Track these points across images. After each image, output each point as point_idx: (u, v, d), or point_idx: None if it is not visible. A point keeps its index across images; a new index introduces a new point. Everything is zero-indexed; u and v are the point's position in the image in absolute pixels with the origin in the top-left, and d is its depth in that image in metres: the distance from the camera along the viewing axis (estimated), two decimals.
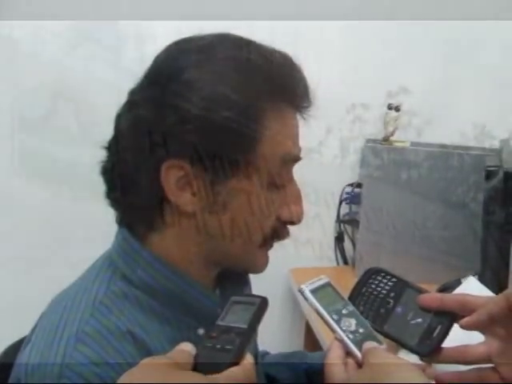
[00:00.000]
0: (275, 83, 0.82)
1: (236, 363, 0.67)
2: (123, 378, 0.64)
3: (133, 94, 0.86)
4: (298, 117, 0.89)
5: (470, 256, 1.65)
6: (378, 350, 0.72)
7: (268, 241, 0.88)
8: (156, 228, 0.86)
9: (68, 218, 1.91)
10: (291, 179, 0.89)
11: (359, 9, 2.00)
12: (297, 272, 2.02)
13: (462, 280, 1.61)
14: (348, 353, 0.73)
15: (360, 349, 0.72)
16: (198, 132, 0.78)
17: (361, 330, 0.75)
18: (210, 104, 0.78)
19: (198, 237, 0.85)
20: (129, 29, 1.86)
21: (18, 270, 1.90)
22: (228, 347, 0.68)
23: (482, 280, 1.54)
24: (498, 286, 1.46)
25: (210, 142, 0.79)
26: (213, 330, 0.72)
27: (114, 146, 0.87)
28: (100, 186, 0.90)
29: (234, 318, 0.72)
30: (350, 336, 0.73)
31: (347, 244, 2.13)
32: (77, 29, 1.84)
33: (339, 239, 2.12)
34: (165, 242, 0.86)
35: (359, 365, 0.71)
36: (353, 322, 0.75)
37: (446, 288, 1.62)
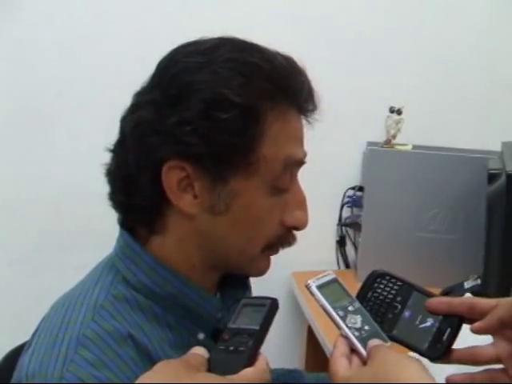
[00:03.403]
0: (276, 84, 0.82)
1: (250, 364, 0.67)
2: (139, 380, 0.65)
3: (137, 96, 0.87)
4: (304, 121, 0.89)
5: (472, 259, 1.64)
6: (383, 347, 0.72)
7: (272, 246, 0.88)
8: (157, 231, 0.86)
9: (70, 224, 1.91)
10: (295, 184, 0.88)
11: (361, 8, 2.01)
12: (298, 275, 2.01)
13: (465, 283, 1.61)
14: (353, 350, 0.73)
15: (365, 346, 0.73)
16: (198, 133, 0.79)
17: (366, 328, 0.75)
18: (210, 105, 0.79)
19: (199, 240, 0.85)
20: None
21: (19, 275, 1.90)
22: (241, 349, 0.69)
23: (484, 283, 1.54)
24: (500, 289, 1.45)
25: (210, 143, 0.80)
26: (225, 333, 0.72)
27: (118, 148, 0.88)
28: (104, 189, 0.90)
29: (246, 319, 0.73)
30: (356, 333, 0.74)
31: (349, 248, 2.12)
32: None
33: (341, 243, 2.12)
34: (166, 246, 0.86)
35: (364, 362, 0.71)
36: (358, 319, 0.75)
37: (449, 291, 1.61)
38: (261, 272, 0.91)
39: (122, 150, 0.86)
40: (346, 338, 0.74)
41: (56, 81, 1.86)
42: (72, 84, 1.87)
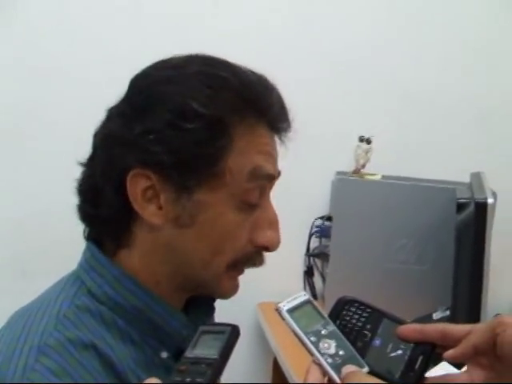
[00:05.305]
0: (244, 98, 0.82)
1: None
2: None
3: (109, 111, 0.88)
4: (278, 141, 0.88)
5: (441, 290, 1.63)
6: (358, 374, 0.68)
7: (238, 265, 0.86)
8: (124, 244, 0.85)
9: (33, 248, 1.88)
10: (267, 202, 0.87)
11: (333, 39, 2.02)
12: (264, 306, 1.99)
13: (434, 315, 1.59)
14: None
15: (340, 373, 0.69)
16: (161, 142, 0.80)
17: (341, 353, 0.71)
18: (175, 115, 0.80)
19: (164, 255, 0.84)
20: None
21: None
22: (199, 380, 0.64)
23: (453, 315, 1.52)
24: (469, 321, 1.43)
25: (173, 152, 0.80)
26: (181, 363, 0.68)
27: (88, 162, 0.88)
28: (70, 214, 0.88)
29: (204, 348, 0.69)
30: (329, 360, 0.69)
31: (317, 278, 2.11)
32: None
33: (308, 273, 2.10)
34: (132, 260, 0.85)
35: None
36: (332, 343, 0.71)
37: (418, 323, 1.59)
38: (227, 293, 0.88)
39: (92, 163, 0.87)
40: (319, 365, 0.70)
41: (25, 100, 1.84)
42: (42, 104, 1.85)
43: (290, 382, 1.60)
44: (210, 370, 0.65)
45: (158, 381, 0.66)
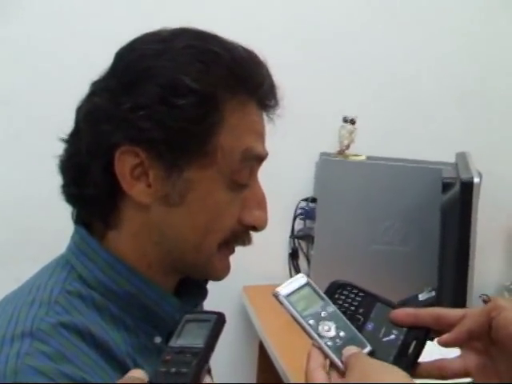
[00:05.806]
0: (236, 74, 0.80)
1: None
2: None
3: (93, 85, 0.85)
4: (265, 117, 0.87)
5: (427, 271, 1.62)
6: (360, 356, 0.67)
7: (228, 243, 0.85)
8: (113, 225, 0.84)
9: (11, 234, 1.84)
10: (255, 181, 0.86)
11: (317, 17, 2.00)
12: (249, 289, 1.98)
13: (420, 296, 1.59)
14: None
15: (341, 356, 0.67)
16: (153, 118, 0.77)
17: (341, 334, 0.69)
18: (166, 91, 0.77)
19: (154, 235, 0.82)
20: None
21: None
22: (184, 370, 0.62)
23: (439, 296, 1.52)
24: (455, 302, 1.43)
25: (165, 128, 0.78)
26: (166, 353, 0.66)
27: (71, 138, 0.85)
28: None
29: (189, 337, 0.67)
30: (329, 343, 0.68)
31: (302, 260, 2.09)
32: None
33: (293, 255, 2.09)
34: (121, 241, 0.83)
35: (343, 373, 0.66)
36: (332, 325, 0.70)
37: (404, 304, 1.58)
38: (219, 273, 0.87)
39: (75, 140, 0.84)
40: (320, 349, 0.68)
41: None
42: (17, 91, 1.81)
43: (276, 365, 1.59)
44: (195, 360, 0.63)
45: (142, 373, 0.64)
